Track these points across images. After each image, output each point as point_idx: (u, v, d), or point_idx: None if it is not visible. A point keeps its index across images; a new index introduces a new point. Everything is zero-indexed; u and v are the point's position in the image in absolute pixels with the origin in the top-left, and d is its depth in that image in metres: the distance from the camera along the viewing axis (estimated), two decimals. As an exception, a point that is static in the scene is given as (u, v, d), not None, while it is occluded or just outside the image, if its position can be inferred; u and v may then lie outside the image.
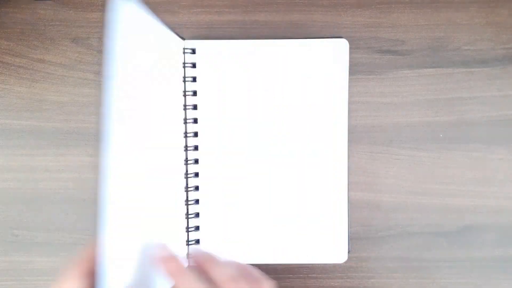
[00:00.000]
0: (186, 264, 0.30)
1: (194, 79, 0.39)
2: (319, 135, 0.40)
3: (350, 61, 0.39)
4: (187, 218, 0.39)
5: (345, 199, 0.40)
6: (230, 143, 0.39)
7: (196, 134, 0.39)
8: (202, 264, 0.30)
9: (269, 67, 0.39)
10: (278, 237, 0.40)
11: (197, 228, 0.39)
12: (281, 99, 0.39)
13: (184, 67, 0.38)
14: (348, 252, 0.40)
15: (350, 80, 0.40)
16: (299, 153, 0.40)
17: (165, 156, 0.36)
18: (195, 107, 0.39)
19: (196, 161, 0.39)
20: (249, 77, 0.39)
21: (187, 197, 0.39)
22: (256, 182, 0.39)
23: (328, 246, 0.40)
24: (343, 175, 0.40)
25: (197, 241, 0.39)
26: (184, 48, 0.38)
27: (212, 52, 0.39)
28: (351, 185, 0.40)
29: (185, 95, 0.39)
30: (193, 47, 0.39)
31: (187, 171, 0.39)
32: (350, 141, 0.40)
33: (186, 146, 0.39)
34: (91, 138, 0.41)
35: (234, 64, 0.39)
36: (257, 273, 0.31)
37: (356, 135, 0.41)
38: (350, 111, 0.40)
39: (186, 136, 0.39)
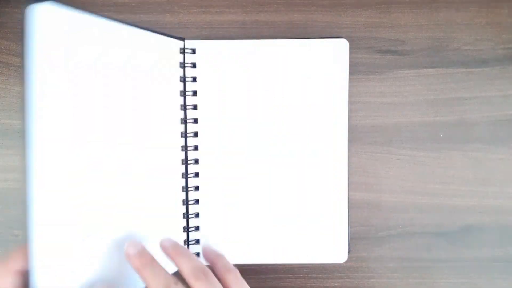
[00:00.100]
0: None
1: (194, 79, 0.39)
2: (319, 135, 0.40)
3: (350, 61, 0.39)
4: (187, 218, 0.39)
5: (345, 199, 0.40)
6: (230, 143, 0.39)
7: (196, 134, 0.39)
8: (171, 255, 0.31)
9: (269, 67, 0.39)
10: (278, 237, 0.40)
11: (197, 228, 0.39)
12: (281, 99, 0.39)
13: (184, 67, 0.38)
14: (348, 252, 0.40)
15: (350, 80, 0.40)
16: (299, 153, 0.40)
17: (154, 155, 0.36)
18: (195, 107, 0.39)
19: (196, 161, 0.39)
20: (249, 77, 0.39)
21: (187, 197, 0.39)
22: (256, 182, 0.39)
23: (328, 246, 0.40)
24: (343, 175, 0.40)
25: (197, 241, 0.39)
26: (182, 48, 0.38)
27: (212, 52, 0.39)
28: (351, 185, 0.40)
29: (185, 95, 0.39)
30: (193, 47, 0.39)
31: (187, 171, 0.39)
32: (350, 141, 0.40)
33: (186, 146, 0.39)
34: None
35: (234, 64, 0.39)
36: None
37: (356, 135, 0.41)
38: (350, 111, 0.40)
39: (186, 136, 0.39)
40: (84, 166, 0.31)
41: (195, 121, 0.39)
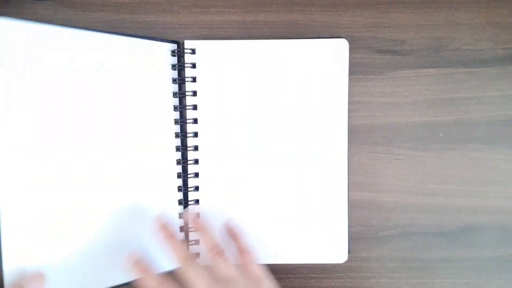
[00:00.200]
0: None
1: (194, 79, 0.39)
2: (319, 135, 0.40)
3: (350, 61, 0.39)
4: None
5: (345, 199, 0.40)
6: (230, 143, 0.39)
7: (196, 134, 0.39)
8: (196, 228, 0.35)
9: (269, 67, 0.39)
10: (279, 237, 0.40)
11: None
12: (281, 99, 0.39)
13: (183, 67, 0.38)
14: (348, 252, 0.40)
15: (350, 80, 0.40)
16: (299, 153, 0.40)
17: (142, 157, 0.37)
18: (195, 107, 0.39)
19: (196, 161, 0.39)
20: (249, 77, 0.39)
21: (187, 197, 0.39)
22: (256, 182, 0.39)
23: (328, 246, 0.40)
24: (343, 175, 0.40)
25: (197, 241, 0.39)
26: (177, 50, 0.38)
27: (212, 52, 0.39)
28: (351, 185, 0.40)
29: (184, 96, 0.39)
30: (193, 47, 0.39)
31: (187, 171, 0.39)
32: (350, 141, 0.40)
33: (185, 147, 0.39)
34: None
35: (234, 64, 0.39)
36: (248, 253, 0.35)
37: (356, 135, 0.41)
38: (350, 111, 0.40)
39: (186, 137, 0.39)
40: (53, 173, 0.32)
41: (195, 121, 0.39)
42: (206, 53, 0.39)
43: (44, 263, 0.31)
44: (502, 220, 0.42)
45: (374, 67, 0.41)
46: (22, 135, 0.31)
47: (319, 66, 0.39)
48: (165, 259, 0.36)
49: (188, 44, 0.39)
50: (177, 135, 0.39)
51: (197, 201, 0.39)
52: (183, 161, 0.39)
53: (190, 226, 0.36)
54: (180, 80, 0.39)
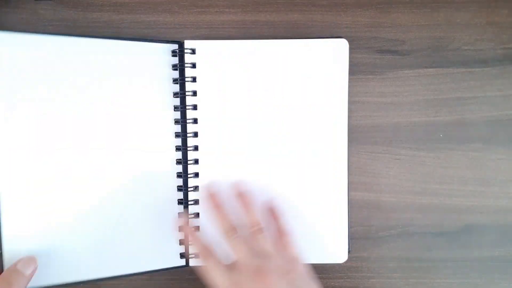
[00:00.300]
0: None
1: (194, 79, 0.39)
2: (319, 135, 0.40)
3: (350, 61, 0.39)
4: (187, 218, 0.39)
5: (345, 199, 0.40)
6: (230, 143, 0.39)
7: (196, 134, 0.39)
8: (241, 201, 0.37)
9: (269, 67, 0.39)
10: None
11: (197, 228, 0.39)
12: (281, 99, 0.39)
13: (183, 67, 0.38)
14: (348, 252, 0.40)
15: (350, 80, 0.40)
16: (299, 153, 0.39)
17: (140, 157, 0.38)
18: (195, 107, 0.39)
19: (196, 161, 0.39)
20: (249, 77, 0.39)
21: (187, 197, 0.39)
22: (256, 182, 0.39)
23: (328, 246, 0.40)
24: (343, 175, 0.40)
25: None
26: (178, 50, 0.38)
27: (212, 52, 0.39)
28: (351, 185, 0.40)
29: (184, 96, 0.39)
30: (193, 47, 0.39)
31: (187, 171, 0.39)
32: (350, 141, 0.40)
33: (186, 147, 0.39)
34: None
35: (234, 64, 0.39)
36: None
37: (356, 135, 0.41)
38: (350, 111, 0.40)
39: (186, 137, 0.39)
40: (54, 170, 0.35)
41: (195, 121, 0.39)
42: (206, 53, 0.39)
43: (39, 249, 0.35)
44: (502, 220, 0.42)
45: (374, 67, 0.41)
46: (25, 134, 0.34)
47: (319, 66, 0.39)
48: (163, 255, 0.39)
49: (188, 44, 0.39)
50: (177, 135, 0.39)
51: (196, 201, 0.39)
52: (183, 161, 0.39)
53: (236, 199, 0.37)
54: (180, 80, 0.39)
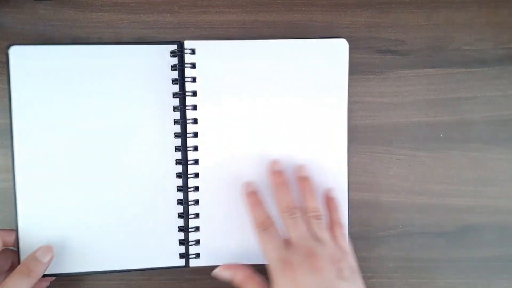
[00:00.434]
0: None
1: (194, 80, 0.39)
2: (319, 135, 0.40)
3: (350, 61, 0.39)
4: (187, 218, 0.39)
5: (345, 199, 0.40)
6: (230, 143, 0.39)
7: (196, 135, 0.39)
8: (275, 186, 0.37)
9: (268, 67, 0.39)
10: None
11: (197, 228, 0.39)
12: (280, 99, 0.39)
13: (183, 68, 0.38)
14: (348, 252, 0.40)
15: (350, 80, 0.40)
16: (299, 153, 0.39)
17: (141, 156, 0.39)
18: (194, 107, 0.39)
19: (196, 162, 0.39)
20: (249, 77, 0.39)
21: (187, 198, 0.39)
22: (256, 182, 0.39)
23: (328, 246, 0.40)
24: (343, 175, 0.40)
25: (197, 242, 0.39)
26: (179, 50, 0.38)
27: (212, 53, 0.39)
28: (351, 185, 0.40)
29: (184, 96, 0.39)
30: (192, 47, 0.39)
31: (187, 172, 0.39)
32: (350, 141, 0.40)
33: (186, 147, 0.39)
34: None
35: (234, 64, 0.39)
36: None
37: (356, 135, 0.41)
38: (350, 111, 0.40)
39: (185, 137, 0.39)
40: (59, 170, 0.38)
41: (195, 121, 0.39)
42: (205, 53, 0.39)
43: (54, 238, 0.38)
44: (502, 220, 0.42)
45: (374, 67, 0.41)
46: (39, 133, 0.38)
47: (319, 66, 0.39)
48: (163, 255, 0.39)
49: (188, 44, 0.39)
50: (176, 135, 0.39)
51: (197, 202, 0.39)
52: (183, 162, 0.39)
53: (299, 183, 0.38)
54: (180, 81, 0.39)
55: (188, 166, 0.39)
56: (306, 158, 0.39)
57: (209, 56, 0.39)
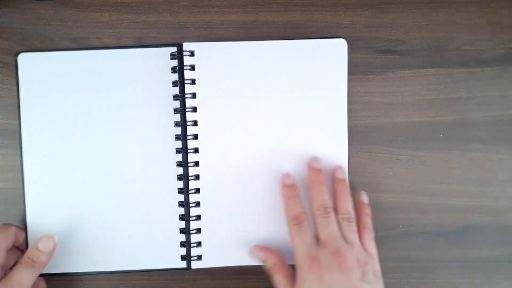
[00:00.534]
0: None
1: (193, 82, 0.39)
2: (319, 136, 0.40)
3: (350, 61, 0.39)
4: (189, 220, 0.39)
5: (345, 199, 0.40)
6: (229, 144, 0.39)
7: (196, 137, 0.39)
8: (311, 182, 0.38)
9: (267, 68, 0.39)
10: (280, 238, 0.40)
11: (199, 230, 0.39)
12: (280, 100, 0.39)
13: (182, 70, 0.38)
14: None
15: (350, 80, 0.40)
16: (300, 154, 0.40)
17: (143, 159, 0.39)
18: (194, 109, 0.39)
19: (197, 164, 0.39)
20: (248, 79, 0.39)
21: (188, 199, 0.39)
22: (256, 183, 0.39)
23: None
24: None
25: (199, 244, 0.39)
26: (178, 53, 0.39)
27: (211, 54, 0.39)
28: (351, 185, 0.40)
29: (183, 98, 0.39)
30: (191, 49, 0.39)
31: (187, 173, 0.39)
32: (350, 141, 0.40)
33: (186, 149, 0.39)
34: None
35: (232, 65, 0.39)
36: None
37: (356, 135, 0.41)
38: (350, 111, 0.40)
39: (186, 139, 0.39)
40: (64, 173, 0.39)
41: (195, 123, 0.39)
42: (205, 55, 0.39)
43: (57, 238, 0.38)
44: (502, 220, 0.42)
45: (374, 67, 0.41)
46: (46, 133, 0.39)
47: (318, 66, 0.39)
48: (164, 257, 0.40)
49: (187, 46, 0.39)
50: (177, 137, 0.39)
51: (198, 203, 0.39)
52: (183, 163, 0.39)
53: (335, 184, 0.38)
54: (180, 83, 0.39)
55: (189, 168, 0.39)
56: (306, 158, 0.39)
57: (208, 58, 0.39)
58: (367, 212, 0.39)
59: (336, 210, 0.37)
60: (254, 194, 0.39)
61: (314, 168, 0.38)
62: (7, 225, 0.38)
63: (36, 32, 0.41)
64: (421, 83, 0.41)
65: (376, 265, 0.35)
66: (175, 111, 0.39)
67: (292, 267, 0.36)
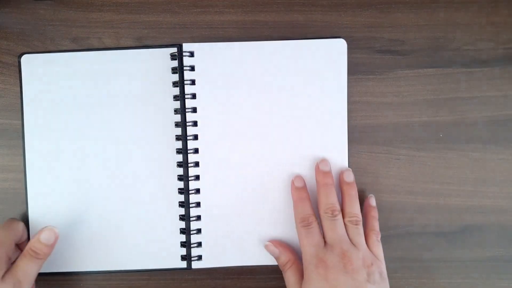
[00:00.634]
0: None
1: (193, 82, 0.39)
2: (319, 136, 0.40)
3: (350, 61, 0.39)
4: (189, 220, 0.39)
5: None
6: (230, 144, 0.39)
7: (196, 137, 0.39)
8: (319, 183, 0.38)
9: (266, 68, 0.39)
10: (280, 238, 0.40)
11: (199, 231, 0.39)
12: (280, 100, 0.39)
13: (182, 70, 0.38)
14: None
15: (350, 80, 0.40)
16: (300, 154, 0.40)
17: (144, 159, 0.39)
18: (194, 110, 0.39)
19: (197, 164, 0.39)
20: (248, 79, 0.39)
21: (188, 200, 0.39)
22: (256, 184, 0.39)
23: (328, 246, 0.40)
24: (343, 176, 0.40)
25: (199, 244, 0.39)
26: (178, 53, 0.39)
27: (210, 55, 0.39)
28: (352, 185, 0.40)
29: (183, 98, 0.39)
30: (191, 50, 0.39)
31: (188, 174, 0.39)
32: (350, 141, 0.40)
33: (186, 149, 0.39)
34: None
35: (232, 66, 0.39)
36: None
37: (356, 135, 0.41)
38: (350, 111, 0.40)
39: (186, 140, 0.39)
40: (65, 171, 0.40)
41: (195, 124, 0.39)
42: (204, 56, 0.39)
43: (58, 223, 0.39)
44: (502, 220, 0.42)
45: (374, 67, 0.41)
46: (50, 130, 0.40)
47: (318, 66, 0.39)
48: (164, 257, 0.40)
49: (186, 47, 0.39)
50: (177, 138, 0.39)
51: (198, 204, 0.39)
52: (183, 164, 0.39)
53: (344, 186, 0.39)
54: (180, 83, 0.39)
55: (189, 168, 0.39)
56: (306, 158, 0.39)
57: (208, 58, 0.39)
58: (374, 215, 0.39)
59: (343, 213, 0.37)
60: (254, 194, 0.39)
61: (322, 171, 0.38)
62: (17, 220, 0.38)
63: (36, 32, 0.41)
64: (421, 83, 0.41)
65: (382, 266, 0.36)
66: (175, 111, 0.39)
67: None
